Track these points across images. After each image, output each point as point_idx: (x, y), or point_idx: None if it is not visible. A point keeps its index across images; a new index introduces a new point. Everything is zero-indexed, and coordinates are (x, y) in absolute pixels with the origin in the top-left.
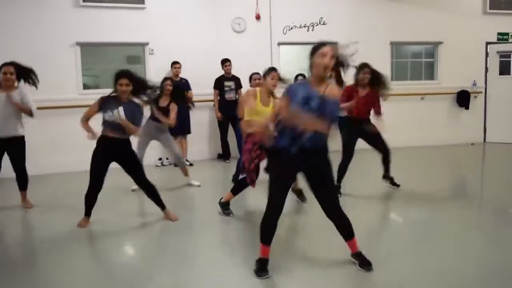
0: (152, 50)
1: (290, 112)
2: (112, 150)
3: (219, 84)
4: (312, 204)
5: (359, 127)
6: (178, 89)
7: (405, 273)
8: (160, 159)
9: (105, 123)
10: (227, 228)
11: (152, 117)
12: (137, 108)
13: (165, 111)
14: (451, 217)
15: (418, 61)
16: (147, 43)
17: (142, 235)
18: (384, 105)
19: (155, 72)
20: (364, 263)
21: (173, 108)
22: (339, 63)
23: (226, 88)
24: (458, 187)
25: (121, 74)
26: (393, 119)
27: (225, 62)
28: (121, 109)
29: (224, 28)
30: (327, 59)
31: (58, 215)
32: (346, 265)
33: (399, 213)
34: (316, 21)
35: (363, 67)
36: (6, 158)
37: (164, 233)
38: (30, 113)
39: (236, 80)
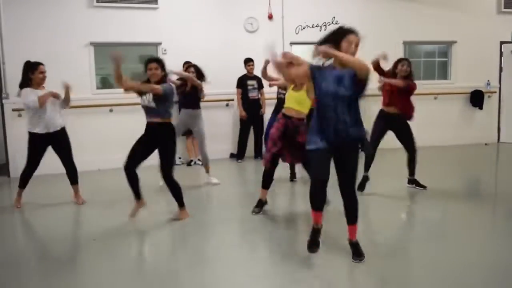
0: (165, 50)
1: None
2: (151, 135)
3: (242, 83)
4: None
5: (391, 119)
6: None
7: (416, 270)
8: (180, 158)
9: (143, 108)
10: (247, 227)
11: (183, 105)
12: (169, 85)
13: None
14: (465, 216)
15: (431, 61)
16: (160, 43)
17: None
18: None
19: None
20: (356, 253)
21: (199, 83)
22: None
23: (249, 87)
24: (472, 186)
25: (150, 60)
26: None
27: (248, 61)
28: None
29: (237, 28)
30: (353, 47)
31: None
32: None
33: (414, 212)
34: (328, 20)
35: (402, 60)
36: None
37: (184, 231)
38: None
39: (258, 80)
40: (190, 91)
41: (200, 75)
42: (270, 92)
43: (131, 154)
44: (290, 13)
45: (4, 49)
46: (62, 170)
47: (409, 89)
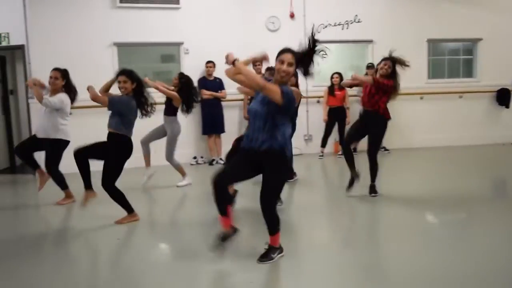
0: (187, 50)
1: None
2: (108, 143)
3: None
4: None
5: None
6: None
7: (431, 272)
8: (194, 157)
9: None
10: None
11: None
12: (127, 99)
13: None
14: (487, 219)
15: (456, 59)
16: (182, 43)
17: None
18: (421, 104)
19: (189, 71)
20: (264, 255)
21: (171, 93)
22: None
23: None
24: (497, 188)
25: (119, 72)
26: (430, 118)
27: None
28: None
29: (258, 27)
30: (284, 67)
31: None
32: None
33: (436, 213)
34: (350, 19)
35: (386, 59)
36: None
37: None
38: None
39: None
40: (167, 99)
41: (188, 87)
42: None
43: (89, 145)
44: (311, 12)
45: (30, 50)
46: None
47: (381, 87)
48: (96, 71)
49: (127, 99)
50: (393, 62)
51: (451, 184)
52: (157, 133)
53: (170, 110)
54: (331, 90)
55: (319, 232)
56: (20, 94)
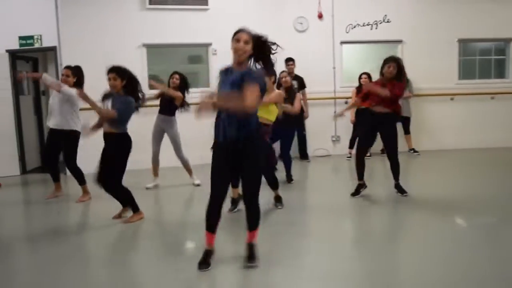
0: (215, 51)
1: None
2: (106, 144)
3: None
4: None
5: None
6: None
7: (453, 275)
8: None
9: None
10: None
11: (160, 110)
12: (126, 99)
13: (167, 102)
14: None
15: (487, 59)
16: (210, 44)
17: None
18: (451, 105)
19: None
20: (250, 256)
21: (176, 94)
22: (262, 50)
23: None
24: None
25: (109, 69)
26: (460, 119)
27: (288, 61)
28: (109, 102)
29: (286, 27)
30: (241, 44)
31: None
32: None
33: (465, 217)
34: (380, 19)
35: (388, 60)
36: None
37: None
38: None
39: (299, 80)
40: (166, 98)
41: (183, 84)
42: (312, 93)
43: (101, 167)
44: (340, 12)
45: (62, 51)
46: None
47: (394, 98)
48: None
49: (128, 103)
50: (394, 61)
51: (483, 188)
52: (159, 137)
53: (171, 110)
54: (359, 90)
55: (341, 234)
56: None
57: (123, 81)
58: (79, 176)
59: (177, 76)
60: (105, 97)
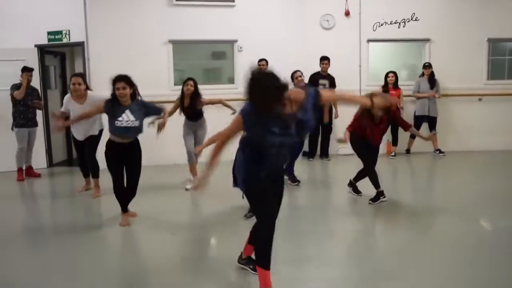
0: (240, 48)
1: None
2: (122, 153)
3: (313, 81)
4: None
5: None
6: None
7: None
8: None
9: (116, 129)
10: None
11: (187, 118)
12: (143, 103)
13: (190, 110)
14: None
15: None
16: (236, 41)
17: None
18: (479, 106)
19: (242, 69)
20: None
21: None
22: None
23: (320, 86)
24: None
25: (117, 79)
26: (488, 120)
27: (323, 60)
28: (128, 112)
29: (313, 25)
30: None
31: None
32: None
33: (488, 220)
34: (407, 17)
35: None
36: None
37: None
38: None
39: (331, 79)
40: (188, 108)
41: (196, 89)
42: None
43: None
44: (367, 10)
45: (90, 46)
46: None
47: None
48: (153, 68)
49: (146, 102)
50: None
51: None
52: (191, 136)
53: (198, 114)
54: (385, 89)
55: (363, 237)
56: None
57: (131, 88)
58: (95, 169)
59: (191, 82)
60: (112, 108)
